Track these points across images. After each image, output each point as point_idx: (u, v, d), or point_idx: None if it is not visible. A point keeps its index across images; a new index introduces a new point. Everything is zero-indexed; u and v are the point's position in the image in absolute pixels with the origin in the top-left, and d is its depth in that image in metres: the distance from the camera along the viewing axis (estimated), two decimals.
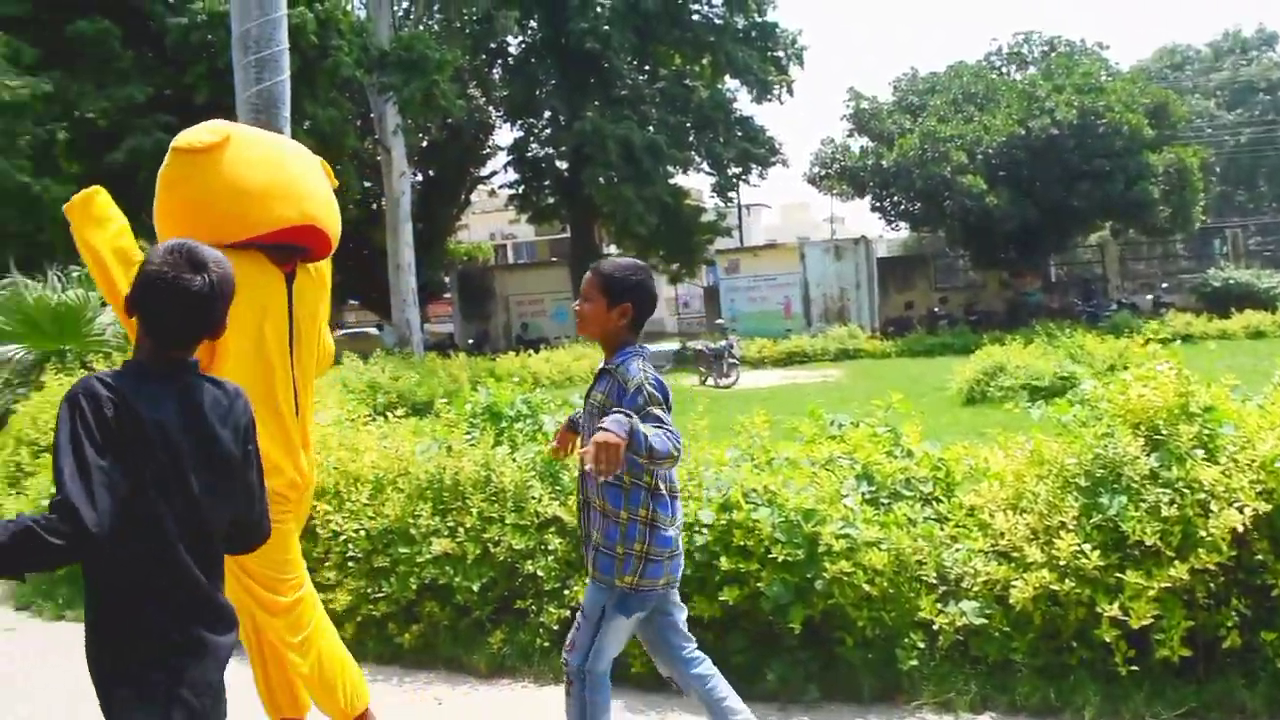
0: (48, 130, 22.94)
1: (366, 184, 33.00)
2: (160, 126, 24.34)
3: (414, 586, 4.97)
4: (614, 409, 3.07)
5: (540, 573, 4.82)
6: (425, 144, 35.82)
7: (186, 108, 24.53)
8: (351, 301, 41.70)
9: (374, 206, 33.31)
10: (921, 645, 4.14)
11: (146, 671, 2.39)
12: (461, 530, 5.01)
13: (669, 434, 3.04)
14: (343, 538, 5.25)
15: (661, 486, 3.28)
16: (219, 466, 2.47)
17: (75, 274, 12.13)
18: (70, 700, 4.30)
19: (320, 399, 11.79)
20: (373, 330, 37.62)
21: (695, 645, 3.46)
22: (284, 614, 3.55)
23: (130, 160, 24.31)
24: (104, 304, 11.84)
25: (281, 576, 3.58)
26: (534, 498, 5.04)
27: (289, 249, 3.58)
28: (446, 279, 38.37)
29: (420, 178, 36.17)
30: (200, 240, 2.61)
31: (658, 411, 3.10)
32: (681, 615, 3.46)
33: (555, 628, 4.66)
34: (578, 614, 3.42)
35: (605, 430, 2.89)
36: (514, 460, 5.28)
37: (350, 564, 5.20)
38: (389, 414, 6.63)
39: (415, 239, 28.35)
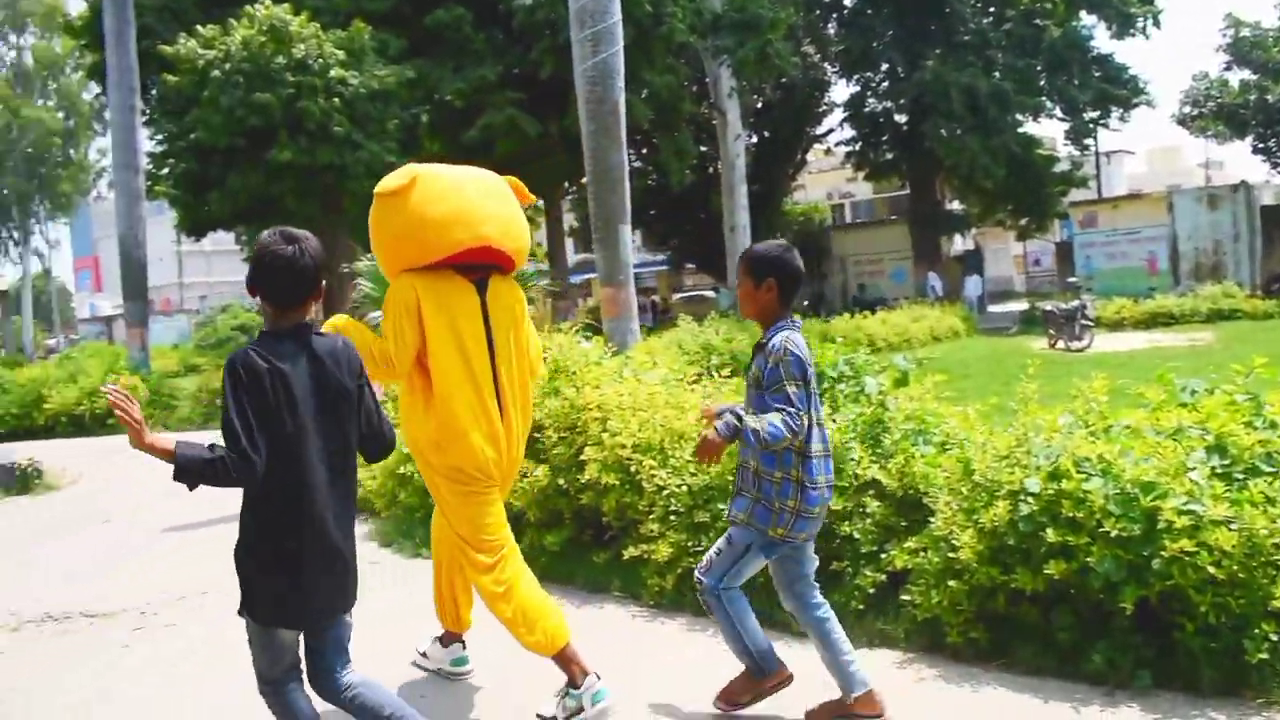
0: (412, 114, 25.07)
1: (702, 148, 33.66)
2: (510, 103, 25.98)
3: None
4: (765, 383, 3.61)
5: (857, 535, 4.79)
6: (760, 105, 36.03)
7: (533, 83, 26.05)
8: (688, 265, 42.81)
9: (709, 170, 33.95)
10: (1274, 637, 3.74)
11: (300, 616, 3.12)
12: None
13: (788, 417, 3.47)
14: (666, 492, 5.45)
15: (811, 449, 3.66)
16: (340, 401, 3.12)
17: None
18: (419, 620, 4.80)
19: (656, 359, 12.27)
20: (709, 293, 38.43)
21: (818, 591, 3.89)
22: (487, 571, 4.09)
23: (484, 136, 26.14)
24: None
25: (485, 539, 4.11)
26: (853, 459, 5.00)
27: (475, 266, 4.14)
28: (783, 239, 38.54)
29: (755, 139, 36.41)
30: (400, 266, 4.03)
31: (791, 388, 3.52)
32: (812, 567, 3.88)
33: (871, 591, 4.62)
34: (720, 539, 3.90)
35: (714, 431, 3.47)
36: (833, 421, 5.26)
37: (672, 518, 5.40)
38: (715, 373, 6.80)
39: (750, 201, 28.66)
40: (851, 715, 3.79)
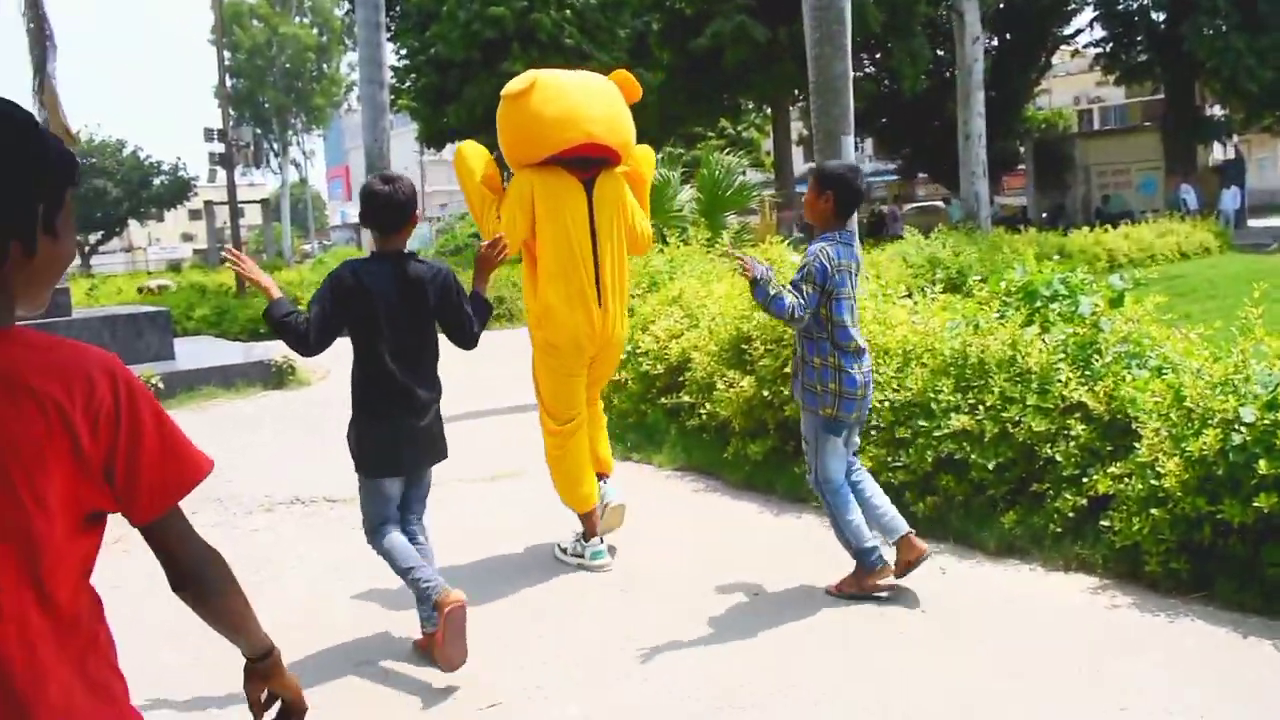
0: (643, 22, 25.17)
1: (939, 52, 32.30)
2: (740, 9, 25.67)
3: (930, 459, 5.12)
4: (798, 273, 4.20)
5: (1059, 458, 4.73)
6: (1001, 5, 34.13)
7: None
8: (920, 175, 41.44)
9: (946, 75, 32.53)
10: None
11: (391, 466, 3.98)
12: (981, 408, 5.05)
13: (800, 301, 4.08)
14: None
15: (845, 345, 4.23)
16: (423, 310, 3.92)
17: (661, 156, 13.42)
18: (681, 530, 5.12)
19: (879, 273, 12.14)
20: (940, 204, 37.17)
21: (858, 463, 4.55)
22: (553, 435, 4.97)
23: (712, 44, 26.03)
24: (684, 183, 13.05)
25: (560, 409, 4.93)
26: (1060, 381, 4.91)
27: (585, 161, 4.68)
28: (1021, 149, 36.65)
29: (994, 42, 34.59)
30: (521, 162, 4.72)
31: (805, 287, 4.11)
32: (854, 449, 4.52)
33: (1070, 515, 4.57)
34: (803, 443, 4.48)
35: (755, 262, 4.12)
36: (1043, 341, 5.17)
37: (873, 432, 5.47)
38: (926, 290, 6.73)
39: (987, 107, 27.37)
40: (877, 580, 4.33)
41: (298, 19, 56.69)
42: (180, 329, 15.36)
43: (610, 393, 7.93)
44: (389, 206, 3.86)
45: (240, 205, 25.67)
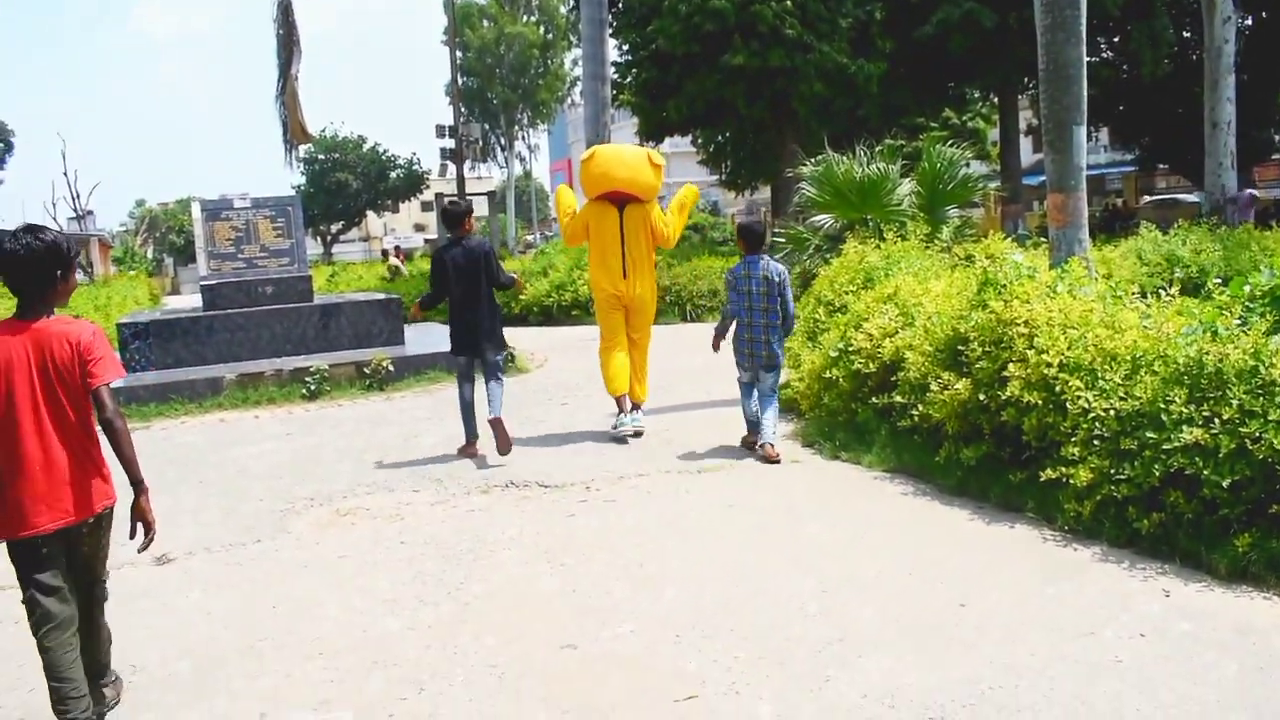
0: (865, 11, 24.70)
1: (1185, 34, 30.26)
2: None
3: (1158, 473, 4.82)
4: None
5: None
6: None
7: None
8: (1160, 167, 38.91)
9: (1192, 58, 30.42)
10: None
11: (464, 351, 7.86)
12: (1217, 421, 4.71)
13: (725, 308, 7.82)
14: (1091, 415, 5.25)
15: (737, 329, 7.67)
16: (477, 272, 7.72)
17: (880, 149, 13.11)
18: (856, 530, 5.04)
19: (1109, 270, 11.54)
20: (1184, 196, 34.82)
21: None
22: (602, 351, 8.37)
23: (938, 32, 25.27)
24: (903, 176, 12.69)
25: (606, 334, 8.35)
26: None
27: (616, 197, 8.17)
28: (1277, 137, 33.89)
29: (1248, 22, 32.08)
30: (586, 196, 8.36)
31: (729, 293, 7.78)
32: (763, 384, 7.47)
33: None
34: None
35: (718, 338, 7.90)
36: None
37: (1095, 442, 5.20)
38: (1161, 292, 6.33)
39: (1238, 92, 25.49)
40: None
41: (525, 18, 58.49)
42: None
43: (820, 390, 7.87)
44: (452, 213, 7.90)
45: (468, 197, 26.76)
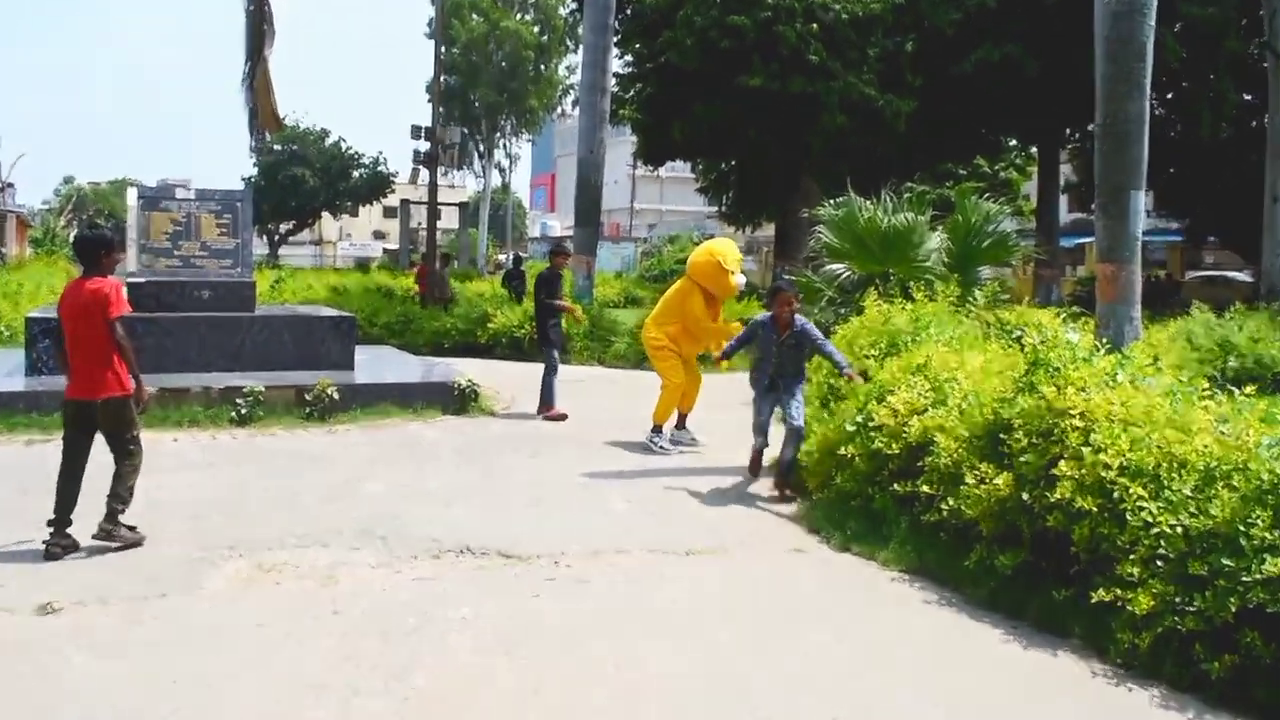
0: (895, 42, 24.74)
1: (1246, 96, 30.49)
2: (1010, 37, 24.86)
3: (1233, 607, 4.57)
4: None
5: None
6: None
7: (1038, 12, 24.72)
8: (1209, 239, 39.10)
9: (1251, 125, 30.64)
10: None
11: (548, 337, 12.54)
12: None
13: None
14: (1155, 530, 5.00)
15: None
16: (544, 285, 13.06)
17: (906, 195, 12.96)
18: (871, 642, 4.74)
19: (1157, 354, 11.41)
20: (1235, 274, 34.91)
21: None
22: (665, 389, 10.40)
23: (975, 72, 25.32)
24: (932, 229, 12.51)
25: (666, 379, 10.41)
26: None
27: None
28: None
29: None
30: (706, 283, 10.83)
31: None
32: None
33: None
34: None
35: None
36: None
37: (1159, 563, 4.94)
38: (1238, 388, 6.10)
39: None
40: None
41: (519, 15, 58.68)
42: (361, 334, 15.85)
43: (832, 468, 7.61)
44: (557, 251, 13.07)
45: (438, 207, 26.53)
